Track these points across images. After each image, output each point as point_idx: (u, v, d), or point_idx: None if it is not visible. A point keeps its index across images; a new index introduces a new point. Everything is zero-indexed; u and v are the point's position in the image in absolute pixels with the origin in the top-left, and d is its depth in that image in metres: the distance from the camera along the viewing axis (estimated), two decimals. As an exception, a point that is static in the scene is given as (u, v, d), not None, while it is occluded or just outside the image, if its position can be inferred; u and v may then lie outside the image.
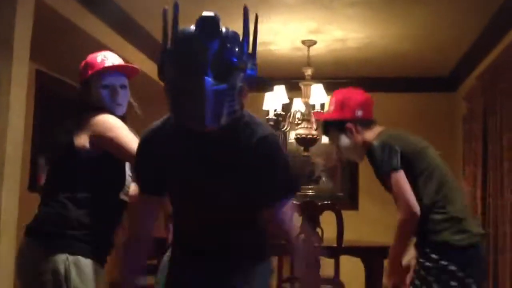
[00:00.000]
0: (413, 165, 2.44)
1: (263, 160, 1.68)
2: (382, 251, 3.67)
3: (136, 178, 1.89)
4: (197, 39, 1.51)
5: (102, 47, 4.23)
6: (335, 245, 3.81)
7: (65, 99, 5.28)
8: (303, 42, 4.91)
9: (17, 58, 3.21)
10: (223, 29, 1.55)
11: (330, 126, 2.69)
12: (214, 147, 1.66)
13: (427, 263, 2.35)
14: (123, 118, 2.17)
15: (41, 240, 2.04)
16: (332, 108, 2.69)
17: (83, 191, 2.05)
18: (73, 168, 2.08)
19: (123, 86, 2.18)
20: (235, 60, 1.54)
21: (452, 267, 2.31)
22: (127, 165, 2.15)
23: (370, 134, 2.58)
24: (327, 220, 3.91)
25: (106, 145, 2.07)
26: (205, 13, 1.54)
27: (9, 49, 3.17)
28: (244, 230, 1.79)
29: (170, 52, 1.56)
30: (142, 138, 1.79)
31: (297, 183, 1.86)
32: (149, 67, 5.14)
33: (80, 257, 2.01)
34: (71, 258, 1.99)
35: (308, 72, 4.86)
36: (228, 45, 1.53)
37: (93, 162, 2.06)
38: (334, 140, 2.69)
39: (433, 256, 2.34)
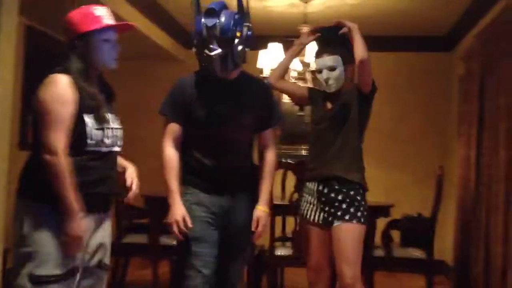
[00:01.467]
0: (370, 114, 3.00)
1: (264, 96, 2.64)
2: (374, 210, 3.69)
3: (168, 111, 2.56)
4: (205, 23, 2.40)
5: (94, 1, 4.14)
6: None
7: (55, 55, 5.22)
8: (300, -2, 4.81)
9: (6, 10, 3.12)
10: (221, 11, 2.40)
11: (341, 52, 2.96)
12: (229, 88, 2.54)
13: (356, 203, 2.87)
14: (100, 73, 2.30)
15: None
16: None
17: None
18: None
19: (116, 41, 2.28)
20: (230, 32, 2.39)
21: (365, 206, 2.93)
22: (88, 122, 2.15)
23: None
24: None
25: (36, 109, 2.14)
26: (210, 6, 2.41)
27: (-3, 1, 3.08)
28: (244, 151, 2.63)
29: (194, 30, 2.44)
30: (178, 84, 2.59)
31: (282, 115, 2.74)
32: (141, 23, 5.05)
33: (33, 204, 2.11)
34: (24, 202, 2.12)
35: (305, 30, 4.76)
36: (226, 23, 2.39)
37: None
38: (334, 63, 2.93)
39: (357, 197, 2.88)
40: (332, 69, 2.93)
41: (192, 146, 2.57)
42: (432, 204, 4.08)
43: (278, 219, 4.26)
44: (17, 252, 2.11)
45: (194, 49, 2.46)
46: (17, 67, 3.41)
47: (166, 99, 2.58)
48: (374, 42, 5.74)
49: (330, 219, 2.91)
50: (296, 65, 4.67)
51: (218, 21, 2.38)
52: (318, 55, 3.02)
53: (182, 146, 2.59)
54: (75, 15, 2.21)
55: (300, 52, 3.24)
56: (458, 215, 4.79)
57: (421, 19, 5.44)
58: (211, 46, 2.38)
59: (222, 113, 2.50)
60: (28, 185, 2.14)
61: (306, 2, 4.83)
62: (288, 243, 4.09)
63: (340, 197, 2.88)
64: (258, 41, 5.20)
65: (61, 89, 2.10)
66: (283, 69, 3.17)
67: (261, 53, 4.64)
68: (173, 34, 5.89)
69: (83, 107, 2.13)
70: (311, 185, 2.99)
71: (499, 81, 3.92)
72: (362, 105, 2.94)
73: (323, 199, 2.93)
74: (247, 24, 2.45)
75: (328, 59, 2.94)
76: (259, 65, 4.65)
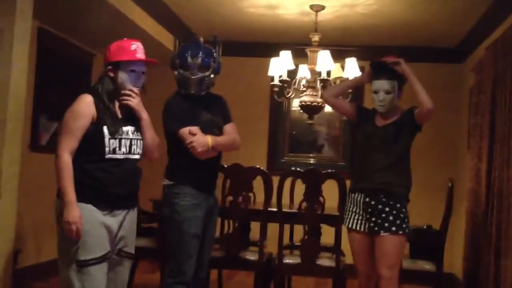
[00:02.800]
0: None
1: (224, 105, 3.40)
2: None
3: (179, 124, 3.12)
4: (191, 54, 3.17)
5: (107, 6, 4.17)
6: (337, 213, 3.80)
7: (67, 58, 5.23)
8: (311, 7, 4.81)
9: (20, 12, 3.13)
10: (202, 48, 3.21)
11: (398, 78, 3.24)
12: (204, 102, 3.26)
13: (402, 215, 3.16)
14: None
15: None
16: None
17: (78, 152, 2.57)
18: None
19: (143, 73, 2.75)
20: (208, 63, 3.19)
21: (408, 217, 3.23)
22: (106, 133, 2.60)
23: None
24: (329, 188, 3.90)
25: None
26: (194, 40, 3.27)
27: (12, 3, 3.11)
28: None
29: (176, 58, 3.21)
30: (171, 104, 3.24)
31: (231, 115, 3.41)
32: (156, 30, 5.08)
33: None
34: (58, 202, 2.54)
35: (315, 38, 4.76)
36: (205, 56, 3.18)
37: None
38: (391, 88, 3.24)
39: (403, 209, 3.18)
40: (388, 92, 3.22)
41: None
42: (442, 216, 4.05)
43: (287, 227, 4.24)
44: None
45: (176, 72, 3.18)
46: (29, 70, 3.41)
47: (170, 118, 3.17)
48: (383, 52, 5.76)
49: (376, 228, 3.16)
50: (305, 73, 4.66)
51: (200, 53, 3.15)
52: (377, 77, 3.25)
53: (180, 151, 3.11)
54: (114, 45, 2.69)
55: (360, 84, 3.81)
56: (468, 228, 4.75)
57: (432, 31, 5.43)
58: (193, 71, 3.13)
59: (209, 119, 3.22)
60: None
61: (317, 11, 4.83)
62: (296, 251, 4.07)
63: (387, 209, 3.13)
64: (269, 49, 5.24)
65: (78, 106, 2.56)
66: (341, 90, 3.62)
67: (273, 61, 4.63)
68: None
69: (101, 120, 2.57)
70: (357, 196, 3.25)
71: (511, 94, 3.90)
72: (412, 129, 3.25)
73: (369, 210, 3.19)
74: (218, 57, 3.23)
75: (387, 83, 3.21)
76: (270, 72, 4.63)
